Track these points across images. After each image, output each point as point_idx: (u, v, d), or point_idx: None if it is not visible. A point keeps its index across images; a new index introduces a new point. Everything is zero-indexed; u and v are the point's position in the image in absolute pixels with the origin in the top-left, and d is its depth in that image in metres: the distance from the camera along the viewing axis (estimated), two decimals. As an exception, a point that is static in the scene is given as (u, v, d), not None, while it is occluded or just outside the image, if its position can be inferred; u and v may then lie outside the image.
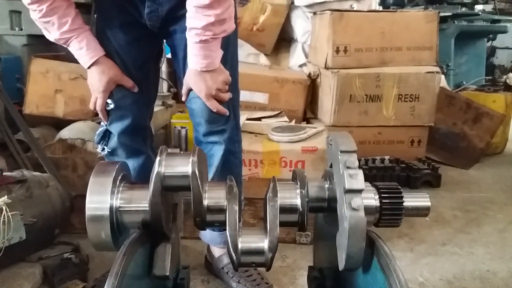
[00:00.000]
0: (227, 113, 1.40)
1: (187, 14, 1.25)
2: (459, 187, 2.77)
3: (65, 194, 1.76)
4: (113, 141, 1.49)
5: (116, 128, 1.47)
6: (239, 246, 0.85)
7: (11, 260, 1.55)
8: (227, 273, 1.58)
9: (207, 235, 1.62)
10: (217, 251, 1.64)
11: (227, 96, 1.38)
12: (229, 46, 1.41)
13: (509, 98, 3.45)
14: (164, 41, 1.56)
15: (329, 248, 0.92)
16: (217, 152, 1.46)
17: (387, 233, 1.98)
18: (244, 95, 2.84)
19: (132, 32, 1.41)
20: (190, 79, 1.35)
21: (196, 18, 1.22)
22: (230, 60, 1.42)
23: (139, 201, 0.83)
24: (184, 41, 1.33)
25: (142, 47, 1.45)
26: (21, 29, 3.06)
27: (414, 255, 1.90)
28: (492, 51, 5.85)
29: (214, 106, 1.36)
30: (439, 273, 1.75)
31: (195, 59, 1.30)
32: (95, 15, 1.48)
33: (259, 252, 0.85)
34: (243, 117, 2.47)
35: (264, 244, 0.85)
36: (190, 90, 1.39)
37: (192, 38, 1.26)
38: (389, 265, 0.74)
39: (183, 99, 1.45)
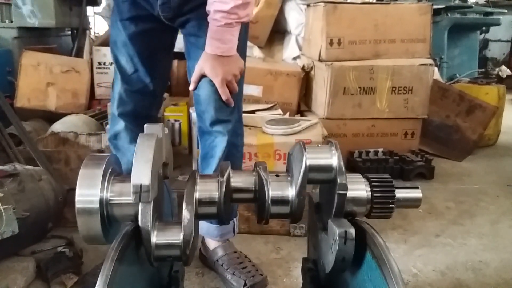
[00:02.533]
0: (233, 104, 1.40)
1: None
2: (452, 179, 2.79)
3: (58, 187, 1.75)
4: (119, 124, 1.52)
5: (119, 110, 1.51)
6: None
7: (4, 254, 1.55)
8: (221, 265, 1.58)
9: (204, 227, 1.62)
10: (212, 244, 1.64)
11: (237, 86, 1.38)
12: (242, 35, 1.39)
13: (502, 90, 3.46)
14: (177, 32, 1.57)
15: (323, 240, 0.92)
16: (220, 144, 1.46)
17: (381, 225, 1.99)
18: (238, 88, 2.83)
19: (143, 24, 1.44)
20: (206, 64, 1.32)
21: (222, 2, 1.23)
22: (241, 49, 1.41)
23: (130, 194, 0.82)
24: (196, 29, 1.37)
25: (152, 39, 1.48)
26: (11, 22, 3.03)
27: (408, 246, 1.91)
28: (485, 44, 5.88)
29: (226, 93, 1.34)
30: (432, 264, 1.76)
31: (216, 44, 1.28)
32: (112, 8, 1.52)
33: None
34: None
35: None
36: (202, 77, 1.37)
37: (216, 21, 1.25)
38: (383, 256, 0.73)
39: (192, 87, 1.41)
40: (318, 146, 0.90)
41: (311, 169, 0.84)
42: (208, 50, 1.31)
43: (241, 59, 1.37)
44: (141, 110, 1.53)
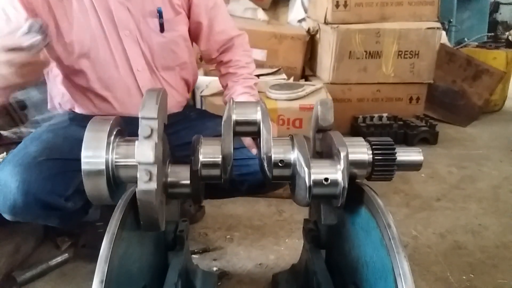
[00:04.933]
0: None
1: (235, 80, 1.45)
2: (456, 144, 2.79)
3: (63, 151, 1.77)
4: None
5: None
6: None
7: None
8: None
9: None
10: None
11: None
12: None
13: (510, 55, 3.40)
14: None
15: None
16: None
17: (383, 188, 2.02)
18: (242, 52, 2.79)
19: None
20: None
21: (248, 79, 1.45)
22: None
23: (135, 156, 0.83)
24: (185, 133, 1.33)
25: None
26: None
27: (409, 210, 1.94)
28: (495, 7, 5.72)
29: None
30: (433, 227, 1.79)
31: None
32: None
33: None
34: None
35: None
36: None
37: (249, 93, 1.42)
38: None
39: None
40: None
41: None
42: None
43: None
44: None
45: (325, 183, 0.82)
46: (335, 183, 0.82)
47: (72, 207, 1.16)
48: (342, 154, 0.81)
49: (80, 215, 1.26)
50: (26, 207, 1.09)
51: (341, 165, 0.81)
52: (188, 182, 0.88)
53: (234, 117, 0.90)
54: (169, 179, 0.89)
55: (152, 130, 0.78)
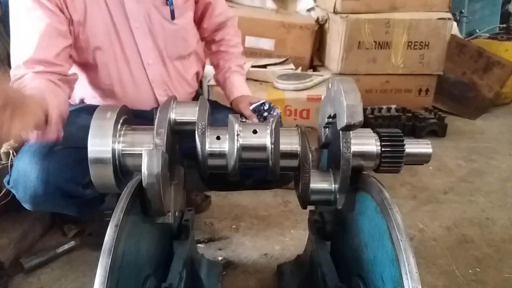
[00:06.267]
0: None
1: (227, 58, 1.52)
2: (465, 137, 2.76)
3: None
4: None
5: None
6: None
7: (20, 203, 1.59)
8: None
9: None
10: None
11: None
12: None
13: (522, 47, 3.34)
14: None
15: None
16: None
17: (390, 181, 2.01)
18: (250, 41, 2.78)
19: None
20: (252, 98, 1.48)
21: (239, 58, 1.54)
22: None
23: (142, 144, 0.83)
24: None
25: None
26: None
27: (416, 202, 1.93)
28: (508, -3, 5.62)
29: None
30: (439, 220, 1.78)
31: (245, 87, 1.51)
32: None
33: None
34: (248, 64, 2.43)
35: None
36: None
37: (240, 72, 1.53)
38: (388, 209, 0.74)
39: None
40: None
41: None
42: (245, 93, 1.49)
43: None
44: None
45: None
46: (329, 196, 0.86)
47: (90, 195, 1.16)
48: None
49: (97, 204, 1.27)
50: (46, 196, 1.09)
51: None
52: (195, 118, 0.90)
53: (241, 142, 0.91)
54: (176, 118, 0.92)
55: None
